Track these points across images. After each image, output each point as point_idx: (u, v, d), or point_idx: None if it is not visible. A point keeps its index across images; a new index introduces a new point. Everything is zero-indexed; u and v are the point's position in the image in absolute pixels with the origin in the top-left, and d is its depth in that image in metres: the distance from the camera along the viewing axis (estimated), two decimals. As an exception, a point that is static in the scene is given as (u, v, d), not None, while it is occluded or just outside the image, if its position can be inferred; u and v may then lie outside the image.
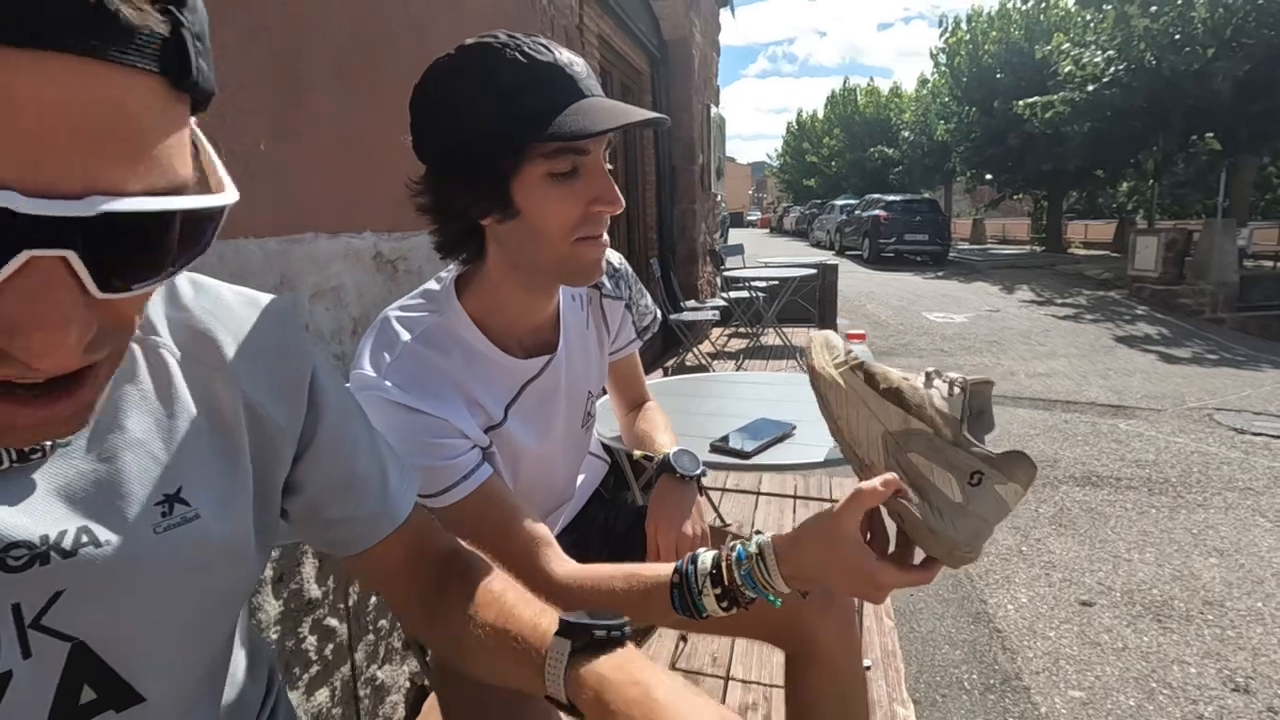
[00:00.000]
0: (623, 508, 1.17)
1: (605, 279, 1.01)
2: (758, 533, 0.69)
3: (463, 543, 0.67)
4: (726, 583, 0.66)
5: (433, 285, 0.87)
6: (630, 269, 1.08)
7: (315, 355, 0.59)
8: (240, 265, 1.16)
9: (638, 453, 1.09)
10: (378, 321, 0.84)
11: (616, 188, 0.77)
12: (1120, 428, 4.40)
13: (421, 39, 1.71)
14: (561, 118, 0.70)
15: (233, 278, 1.16)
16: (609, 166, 0.80)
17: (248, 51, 1.18)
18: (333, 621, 1.39)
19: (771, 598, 0.66)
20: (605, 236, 0.80)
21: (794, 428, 1.32)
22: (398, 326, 0.81)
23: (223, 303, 0.55)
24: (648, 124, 0.76)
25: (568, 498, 1.07)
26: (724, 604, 0.66)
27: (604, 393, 1.12)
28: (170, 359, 0.49)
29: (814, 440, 1.30)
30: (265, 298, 0.58)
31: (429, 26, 1.76)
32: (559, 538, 1.07)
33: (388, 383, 0.75)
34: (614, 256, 1.04)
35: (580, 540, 1.09)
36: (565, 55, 0.73)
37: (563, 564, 0.77)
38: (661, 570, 0.70)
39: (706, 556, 0.68)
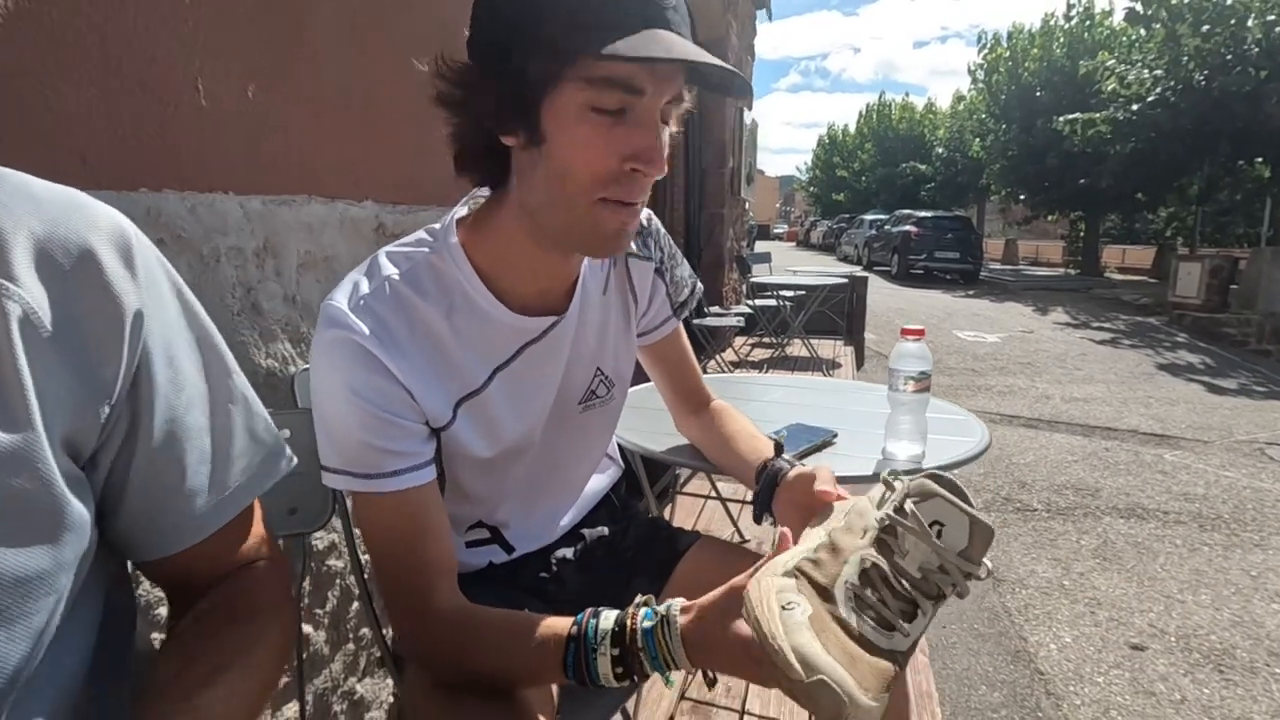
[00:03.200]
0: (633, 520, 1.01)
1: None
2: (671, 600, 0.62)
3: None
4: (627, 643, 0.59)
5: (435, 224, 0.75)
6: (662, 228, 0.92)
7: (155, 294, 0.47)
8: (215, 222, 1.02)
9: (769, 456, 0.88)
10: (369, 257, 0.72)
11: (665, 148, 0.63)
12: (1165, 458, 4.15)
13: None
14: (625, 38, 0.55)
15: (205, 235, 1.03)
16: (672, 129, 0.65)
17: (234, -19, 1.05)
18: (307, 628, 1.25)
19: (667, 675, 0.58)
20: (641, 209, 0.66)
21: (835, 435, 1.16)
22: (385, 261, 0.70)
23: (27, 196, 0.42)
24: (729, 85, 0.63)
25: (569, 489, 0.92)
26: (619, 669, 0.59)
27: (629, 382, 0.94)
28: None
29: (858, 450, 1.13)
30: (101, 207, 0.45)
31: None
32: (559, 544, 0.91)
33: (359, 322, 0.64)
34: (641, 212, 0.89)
35: (584, 554, 0.94)
36: None
37: (454, 598, 0.68)
38: (558, 624, 0.63)
39: (610, 612, 0.62)
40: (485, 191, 0.73)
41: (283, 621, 0.55)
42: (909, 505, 0.55)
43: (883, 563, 0.53)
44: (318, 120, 1.24)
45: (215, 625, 0.49)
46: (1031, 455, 4.13)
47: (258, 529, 0.58)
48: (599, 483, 0.98)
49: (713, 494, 2.51)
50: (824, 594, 0.52)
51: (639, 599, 0.62)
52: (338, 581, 1.30)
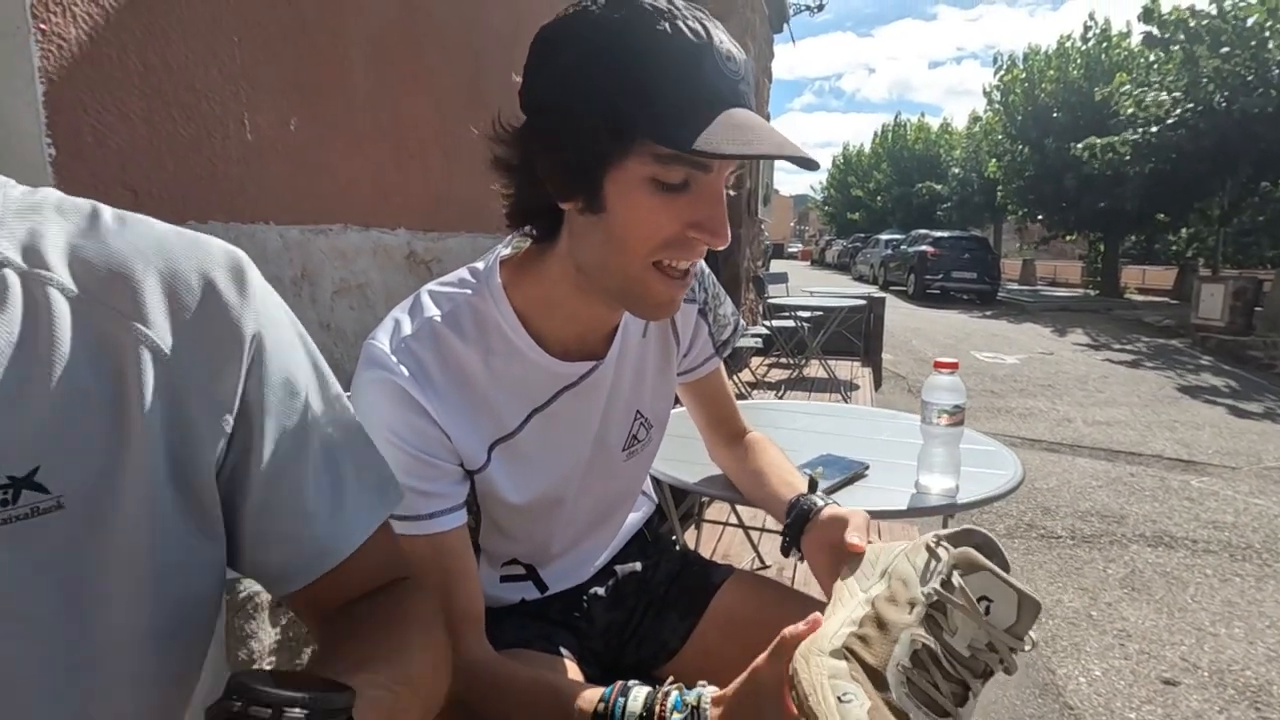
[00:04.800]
0: (664, 554, 1.00)
1: None
2: (702, 685, 0.60)
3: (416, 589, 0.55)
4: None
5: (479, 263, 0.75)
6: (706, 268, 0.92)
7: (270, 320, 0.48)
8: (255, 252, 1.04)
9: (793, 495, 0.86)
10: (412, 295, 0.73)
11: (727, 219, 0.63)
12: (1192, 484, 4.07)
13: (470, 31, 1.61)
14: (697, 122, 0.55)
15: (247, 266, 1.05)
16: (731, 192, 0.66)
17: (276, 17, 1.08)
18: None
19: None
20: (690, 277, 0.67)
21: (866, 468, 1.15)
22: (427, 300, 0.71)
23: (153, 239, 0.44)
24: (796, 162, 0.62)
25: (608, 531, 0.92)
26: None
27: (667, 421, 0.93)
28: (59, 299, 0.39)
29: (890, 483, 1.13)
30: (216, 242, 0.47)
31: (479, 20, 1.67)
32: (591, 582, 0.91)
33: (400, 364, 0.66)
34: None
35: (615, 590, 0.93)
36: (726, 44, 0.58)
37: (481, 647, 0.68)
38: (586, 695, 0.62)
39: (640, 693, 0.60)
40: (529, 230, 0.74)
41: (436, 641, 0.52)
42: (956, 579, 0.52)
43: (934, 644, 0.51)
44: (355, 151, 1.27)
45: (371, 623, 0.49)
46: (1054, 480, 4.07)
47: (393, 559, 0.56)
48: (634, 520, 0.98)
49: (733, 520, 2.49)
50: (875, 678, 0.51)
51: (669, 683, 0.60)
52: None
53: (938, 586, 0.53)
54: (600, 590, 0.91)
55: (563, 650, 0.82)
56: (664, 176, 0.58)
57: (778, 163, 8.52)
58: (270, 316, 0.48)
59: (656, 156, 0.57)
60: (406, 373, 0.65)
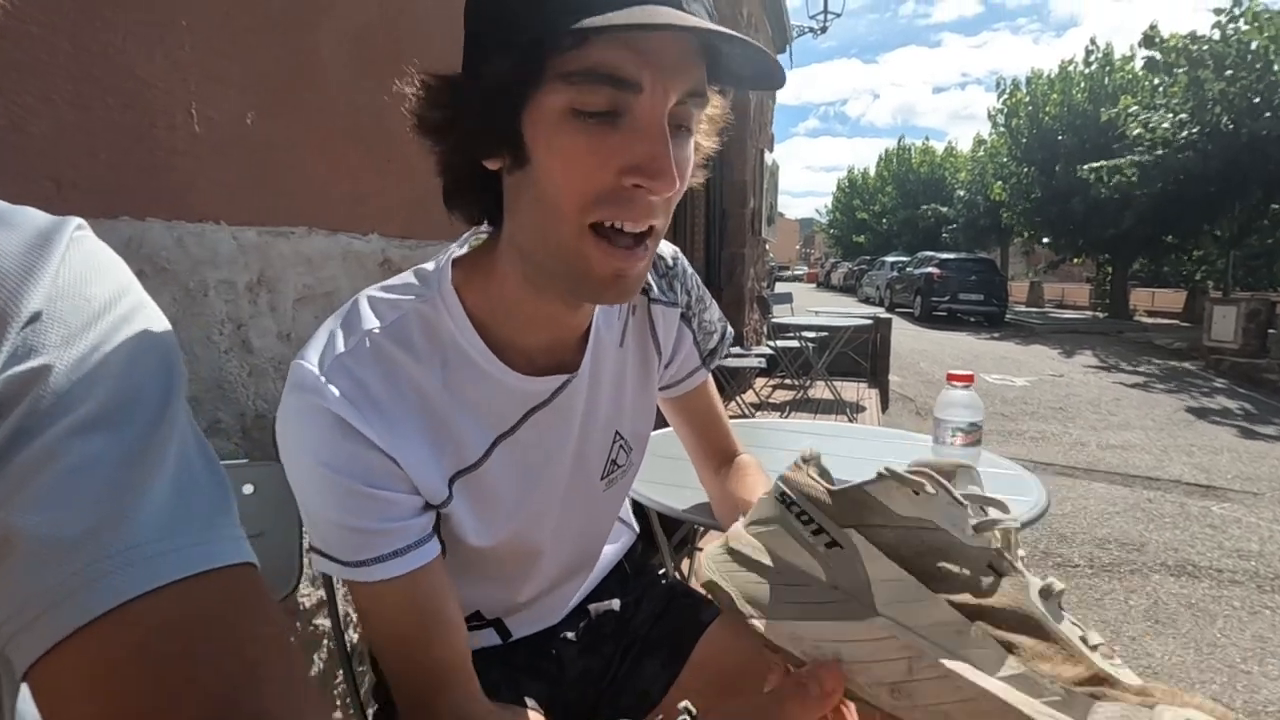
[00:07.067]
0: (648, 589, 0.89)
1: (653, 279, 0.75)
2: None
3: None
4: None
5: (428, 264, 0.63)
6: (689, 267, 0.80)
7: (71, 303, 0.36)
8: (204, 253, 0.96)
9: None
10: (349, 301, 0.60)
11: (688, 162, 0.51)
12: (1213, 511, 3.92)
13: (454, 27, 1.54)
14: (591, 11, 0.44)
15: (192, 267, 0.96)
16: (702, 141, 0.55)
17: (237, 7, 1.00)
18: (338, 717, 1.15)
19: None
20: (647, 249, 0.53)
21: (873, 493, 1.05)
22: (365, 310, 0.58)
23: None
24: (756, 70, 0.50)
25: (583, 569, 0.81)
26: None
27: (647, 443, 0.81)
28: None
29: (900, 511, 1.02)
30: (35, 215, 0.38)
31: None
32: (563, 624, 0.80)
33: (331, 387, 0.53)
34: (666, 249, 0.78)
35: (587, 633, 0.82)
36: None
37: (471, 704, 0.57)
38: None
39: None
40: (489, 227, 0.63)
41: None
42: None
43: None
44: (323, 149, 1.18)
45: None
46: (1070, 505, 3.93)
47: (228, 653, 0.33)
48: (611, 552, 0.86)
49: (734, 545, 2.37)
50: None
51: None
52: (325, 643, 1.19)
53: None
54: (571, 634, 0.80)
55: (529, 701, 0.71)
56: (581, 102, 0.47)
57: (781, 186, 8.44)
58: (75, 297, 0.37)
59: (568, 77, 0.47)
60: (338, 394, 0.53)
